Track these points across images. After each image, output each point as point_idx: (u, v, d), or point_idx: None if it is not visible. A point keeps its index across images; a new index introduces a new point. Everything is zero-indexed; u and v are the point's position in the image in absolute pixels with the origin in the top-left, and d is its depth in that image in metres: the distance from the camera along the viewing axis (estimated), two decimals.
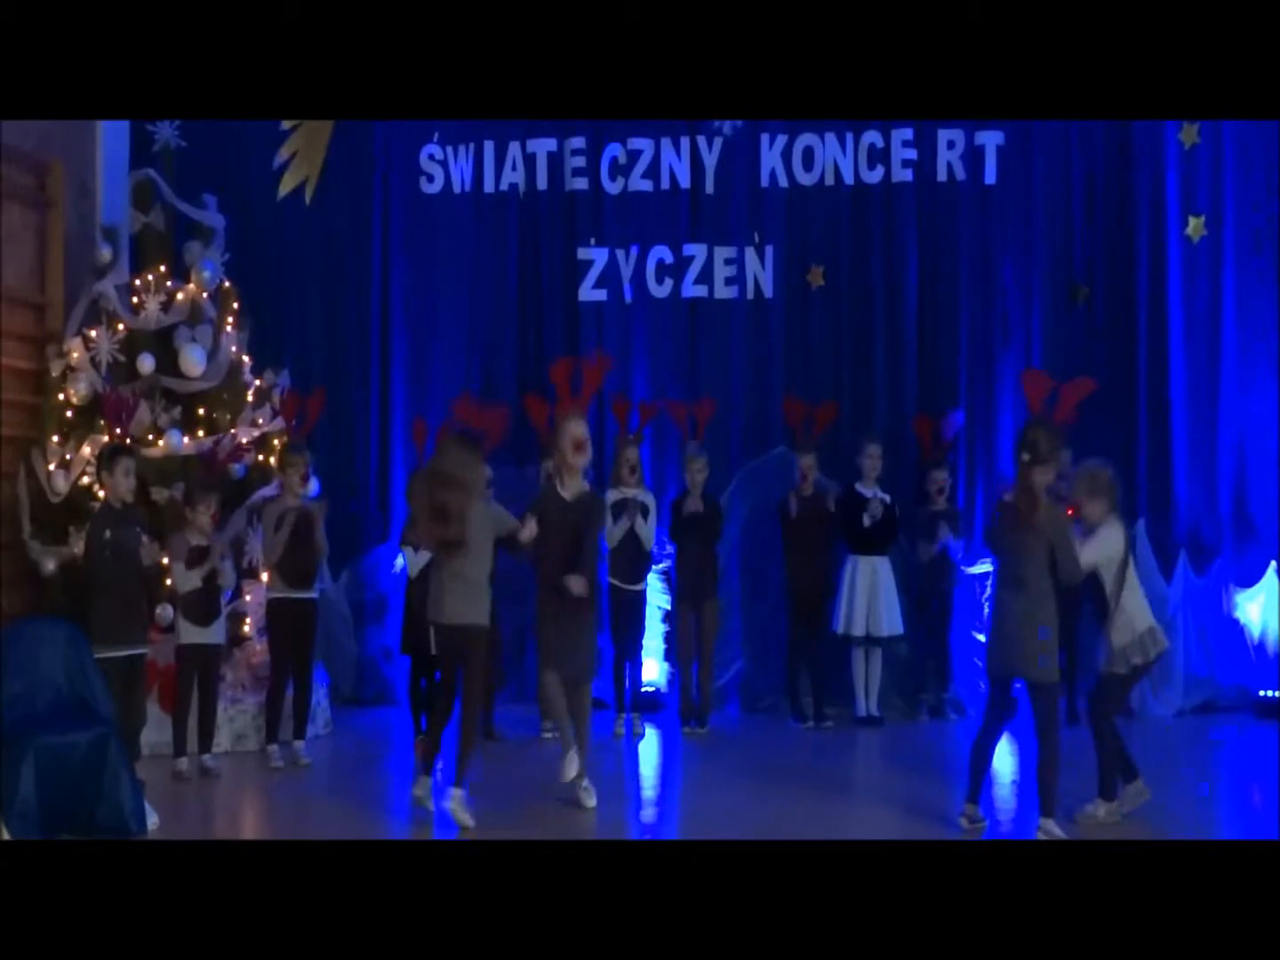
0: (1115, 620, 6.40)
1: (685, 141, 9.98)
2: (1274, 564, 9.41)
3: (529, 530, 6.63)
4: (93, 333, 8.61)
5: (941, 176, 9.83)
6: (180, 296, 8.83)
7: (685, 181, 10.02)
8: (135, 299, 8.78)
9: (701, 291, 10.01)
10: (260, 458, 8.79)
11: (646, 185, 10.03)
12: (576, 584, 6.62)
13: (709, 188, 10.00)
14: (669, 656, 9.55)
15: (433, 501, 6.38)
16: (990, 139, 9.74)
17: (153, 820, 6.34)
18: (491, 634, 8.11)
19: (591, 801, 6.80)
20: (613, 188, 10.07)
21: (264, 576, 8.22)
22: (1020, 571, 6.08)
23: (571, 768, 6.73)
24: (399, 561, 9.42)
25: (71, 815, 6.12)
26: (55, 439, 8.39)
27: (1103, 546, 6.37)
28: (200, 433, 8.52)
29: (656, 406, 9.58)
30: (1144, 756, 7.53)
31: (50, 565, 8.14)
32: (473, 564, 6.50)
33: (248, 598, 8.44)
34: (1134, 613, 6.43)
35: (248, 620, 8.47)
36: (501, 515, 6.76)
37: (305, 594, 8.01)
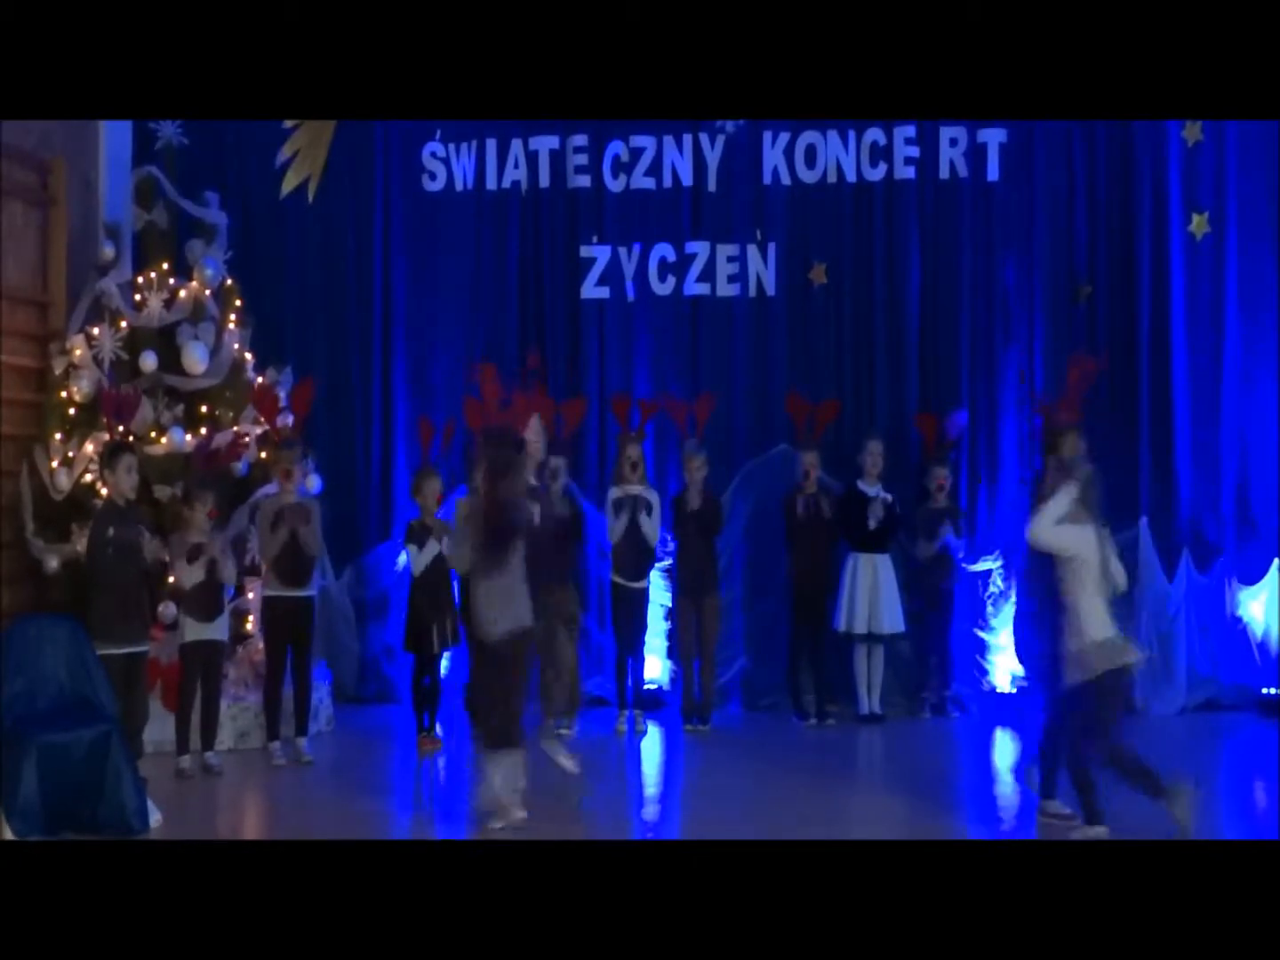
0: (1069, 623, 6.07)
1: (688, 139, 9.96)
2: (1277, 562, 9.39)
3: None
4: (95, 330, 8.62)
5: (944, 174, 9.80)
6: (183, 294, 8.83)
7: (688, 179, 9.99)
8: (138, 296, 8.78)
9: (704, 289, 9.99)
10: (263, 455, 8.79)
11: (649, 183, 10.01)
12: None
13: (711, 185, 9.98)
14: (671, 654, 9.55)
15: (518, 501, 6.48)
16: (993, 136, 9.71)
17: (155, 818, 6.36)
18: None
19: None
20: (615, 185, 10.05)
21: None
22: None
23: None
24: (401, 559, 9.42)
25: (74, 813, 6.14)
26: (58, 437, 8.39)
27: (1067, 531, 6.04)
28: (203, 430, 8.53)
29: (657, 403, 9.57)
30: (1146, 755, 7.55)
31: (53, 563, 8.14)
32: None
33: (250, 595, 8.44)
34: (1089, 620, 6.04)
35: (250, 618, 8.48)
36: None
37: (300, 592, 8.01)
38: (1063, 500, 6.04)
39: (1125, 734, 6.14)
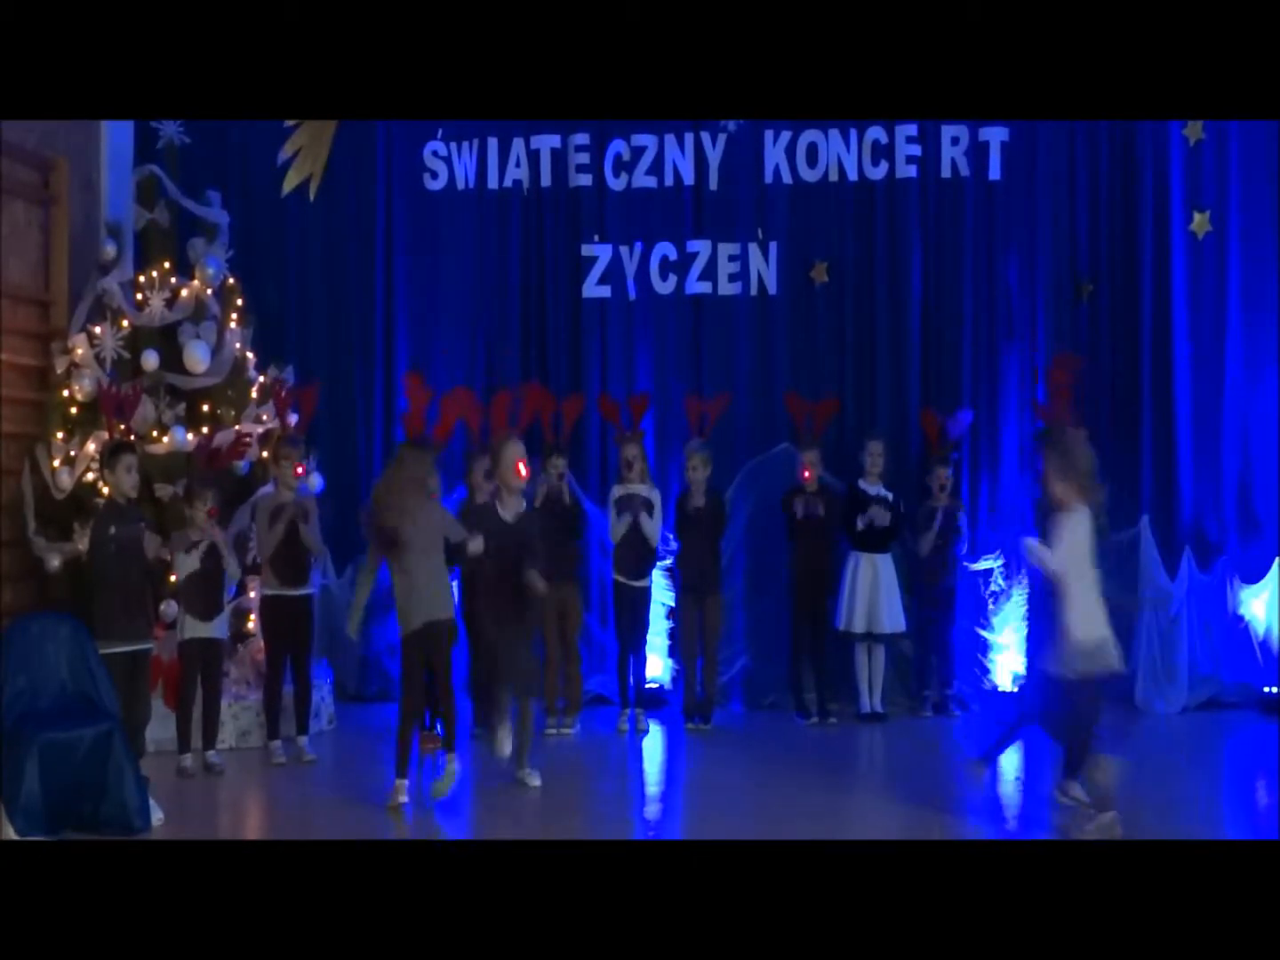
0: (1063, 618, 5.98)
1: (689, 138, 9.96)
2: (1278, 560, 9.39)
3: (476, 545, 6.93)
4: (97, 329, 8.63)
5: (945, 173, 9.80)
6: (184, 293, 8.83)
7: (689, 178, 9.99)
8: (139, 295, 8.78)
9: (705, 288, 9.99)
10: (265, 454, 8.79)
11: (650, 182, 10.02)
12: (536, 582, 6.94)
13: (713, 184, 9.98)
14: (673, 653, 9.56)
15: (390, 505, 6.80)
16: (994, 135, 9.70)
17: (157, 816, 6.37)
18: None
19: (535, 781, 7.13)
20: (616, 184, 10.05)
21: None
22: None
23: (506, 744, 7.01)
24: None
25: (76, 812, 6.15)
26: (59, 435, 8.39)
27: (1071, 551, 5.96)
28: (204, 429, 8.54)
29: (647, 399, 9.57)
30: (1148, 753, 7.56)
31: (55, 561, 8.15)
32: (426, 563, 6.84)
33: (251, 594, 8.45)
34: (1086, 615, 5.96)
35: (251, 616, 8.49)
36: (450, 521, 7.09)
37: (299, 590, 8.02)
38: (1079, 532, 5.99)
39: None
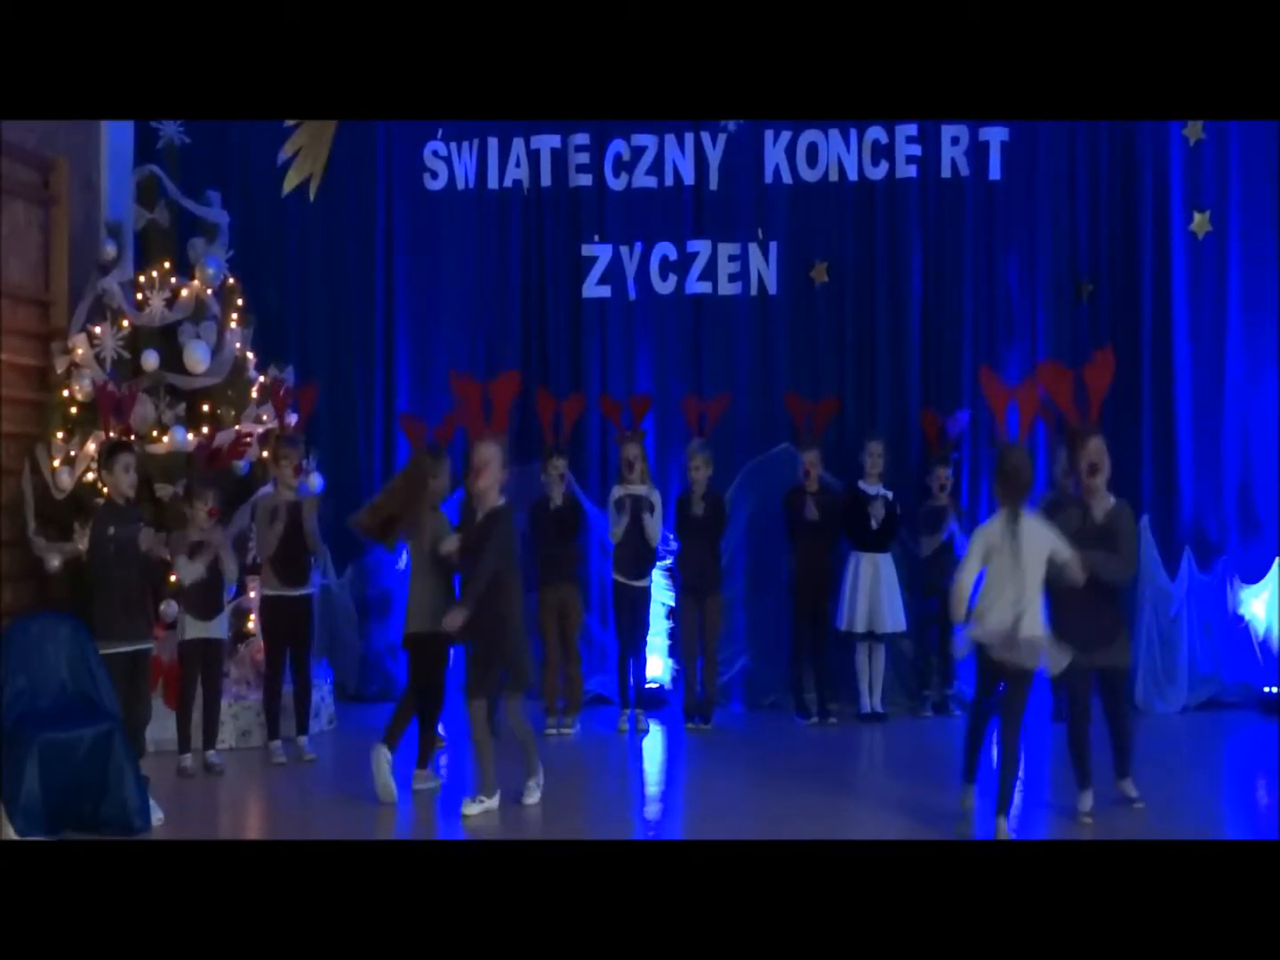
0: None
1: (689, 138, 9.97)
2: (1278, 560, 9.40)
3: (448, 545, 6.82)
4: (97, 329, 8.63)
5: (946, 173, 9.81)
6: (184, 293, 8.83)
7: (689, 178, 10.00)
8: (139, 295, 8.78)
9: (705, 288, 10.00)
10: (265, 454, 8.79)
11: (650, 182, 10.03)
12: (451, 619, 6.53)
13: (713, 184, 9.99)
14: (673, 653, 9.56)
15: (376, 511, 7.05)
16: (994, 135, 9.71)
17: (157, 816, 6.37)
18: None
19: (532, 799, 6.73)
20: (616, 184, 10.06)
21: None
22: None
23: (482, 805, 6.59)
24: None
25: (76, 812, 6.15)
26: (60, 435, 8.40)
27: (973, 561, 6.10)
28: (204, 429, 8.54)
29: (649, 399, 9.57)
30: (1148, 753, 7.55)
31: (55, 561, 8.16)
32: (429, 574, 6.94)
33: (252, 594, 8.45)
34: (991, 600, 6.02)
35: (251, 616, 8.49)
36: (445, 534, 6.96)
37: (298, 591, 8.03)
38: (989, 531, 6.10)
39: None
